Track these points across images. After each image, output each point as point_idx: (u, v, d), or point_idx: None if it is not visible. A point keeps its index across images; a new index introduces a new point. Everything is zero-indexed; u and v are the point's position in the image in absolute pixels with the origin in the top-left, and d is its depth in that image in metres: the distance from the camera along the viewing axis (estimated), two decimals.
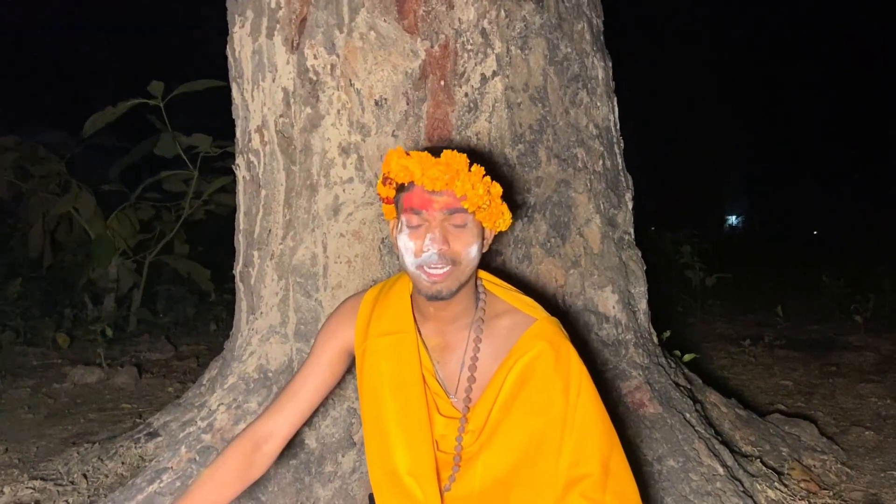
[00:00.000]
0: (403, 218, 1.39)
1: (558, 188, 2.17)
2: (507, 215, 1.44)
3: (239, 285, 2.32)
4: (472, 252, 1.40)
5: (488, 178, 1.40)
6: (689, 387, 2.43)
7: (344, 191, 2.04)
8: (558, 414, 1.38)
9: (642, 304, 2.31)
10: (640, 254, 2.32)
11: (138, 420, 3.12)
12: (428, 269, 1.36)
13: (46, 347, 4.82)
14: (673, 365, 2.44)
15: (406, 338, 1.46)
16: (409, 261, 1.39)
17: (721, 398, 2.72)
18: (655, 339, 2.38)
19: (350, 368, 1.58)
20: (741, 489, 1.95)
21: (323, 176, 2.06)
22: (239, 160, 2.29)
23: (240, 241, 2.32)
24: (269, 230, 2.15)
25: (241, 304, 2.28)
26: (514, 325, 1.45)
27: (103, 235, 5.29)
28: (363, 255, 2.03)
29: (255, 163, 2.21)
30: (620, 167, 2.38)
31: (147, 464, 2.40)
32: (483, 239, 1.44)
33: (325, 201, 2.06)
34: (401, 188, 1.40)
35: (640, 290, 2.29)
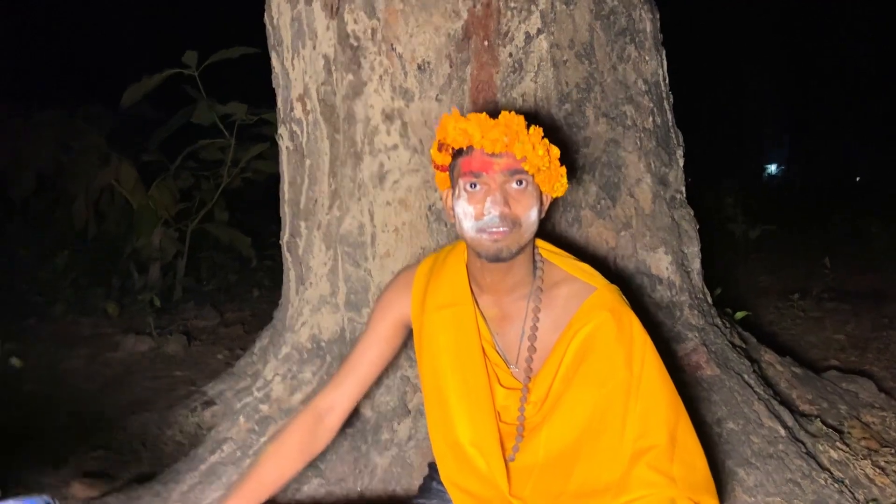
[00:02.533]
0: (461, 182, 1.36)
1: (607, 148, 2.11)
2: (564, 179, 1.40)
3: (286, 255, 2.32)
4: (532, 216, 1.37)
5: (546, 139, 1.36)
6: (744, 346, 2.39)
7: (389, 158, 2.01)
8: (622, 384, 1.35)
9: (696, 264, 2.25)
10: (692, 213, 2.26)
11: (192, 388, 3.17)
12: (488, 232, 1.33)
13: (97, 317, 4.93)
14: (727, 325, 2.39)
15: (464, 310, 1.44)
16: (469, 226, 1.36)
17: (776, 356, 2.67)
18: (710, 300, 2.33)
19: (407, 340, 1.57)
20: (804, 451, 1.92)
21: (367, 144, 2.03)
22: (281, 130, 2.27)
23: (285, 211, 2.31)
24: (316, 200, 2.14)
25: (290, 274, 2.28)
26: (572, 295, 1.42)
27: (145, 205, 5.36)
28: (410, 224, 2.01)
29: (299, 132, 2.18)
30: (670, 123, 2.31)
31: (205, 432, 2.46)
32: (541, 204, 1.40)
33: (370, 169, 2.03)
34: (457, 153, 1.36)
35: (693, 250, 2.23)
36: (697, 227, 2.26)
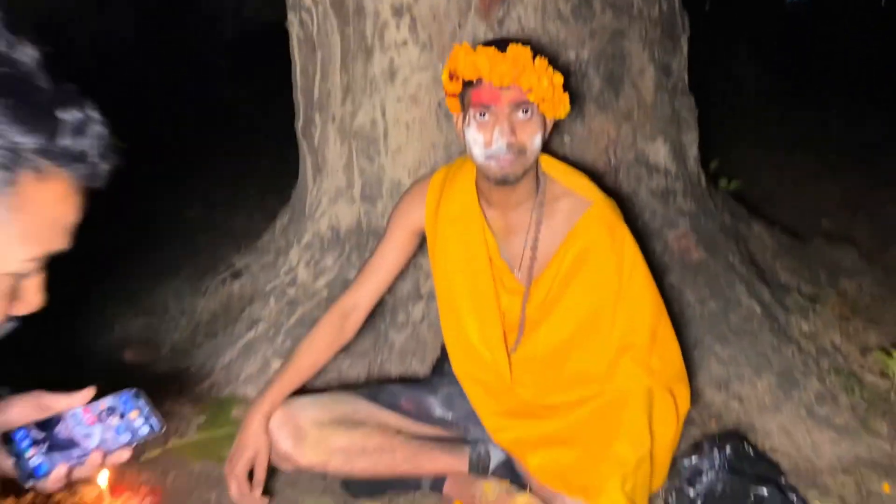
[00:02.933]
0: (472, 111, 1.46)
1: (612, 39, 2.14)
2: (567, 103, 1.49)
3: (301, 140, 2.42)
4: (537, 141, 1.47)
5: (550, 68, 1.43)
6: (734, 223, 2.55)
7: (399, 54, 2.06)
8: (612, 290, 1.53)
9: (693, 151, 2.36)
10: (692, 100, 2.33)
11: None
12: (497, 160, 1.45)
13: None
14: (719, 203, 2.54)
15: (473, 223, 1.59)
16: (479, 152, 1.47)
17: (765, 227, 2.84)
18: (704, 182, 2.46)
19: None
20: (776, 326, 2.14)
21: (378, 39, 2.07)
22: (291, 17, 2.29)
23: (298, 98, 2.39)
24: (329, 93, 2.21)
25: (306, 161, 2.40)
26: (572, 208, 1.56)
27: None
28: (420, 119, 2.10)
29: (309, 22, 2.21)
30: (677, 7, 2.31)
31: (234, 302, 2.70)
32: (545, 128, 1.50)
33: (381, 65, 2.09)
34: (468, 84, 1.45)
35: (690, 137, 2.33)
36: (696, 113, 2.34)
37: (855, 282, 2.84)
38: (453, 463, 1.66)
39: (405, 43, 2.05)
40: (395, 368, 2.08)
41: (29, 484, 0.91)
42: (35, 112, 0.64)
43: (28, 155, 0.64)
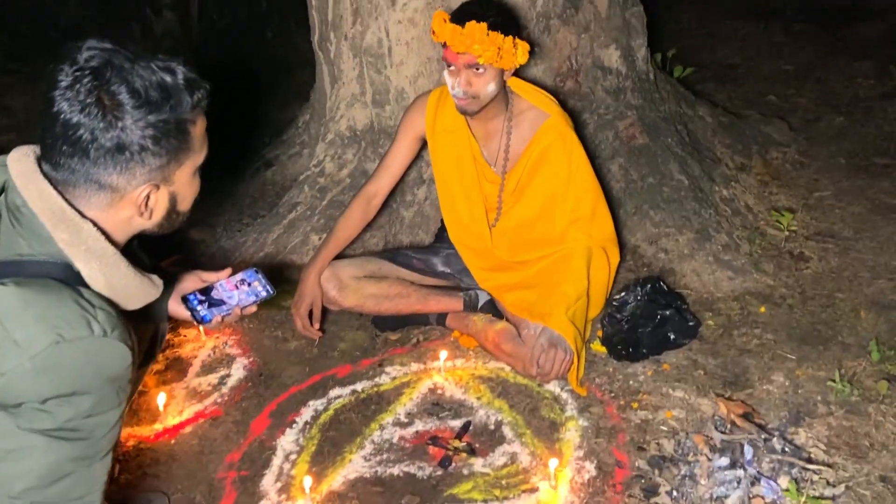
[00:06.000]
0: (444, 60, 1.99)
1: None
2: (521, 55, 1.98)
3: (318, 52, 2.92)
4: (490, 87, 2.00)
5: (500, 37, 1.91)
6: (679, 109, 3.09)
7: None
8: (564, 178, 2.14)
9: (641, 52, 2.87)
10: (641, 9, 2.81)
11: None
12: (457, 99, 2.00)
13: None
14: (666, 93, 3.07)
15: (461, 133, 2.17)
16: (448, 90, 2.03)
17: (709, 108, 3.38)
18: (653, 77, 2.98)
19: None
20: (700, 195, 2.75)
21: None
22: None
23: (313, 15, 2.86)
24: (341, 16, 2.69)
25: (323, 70, 2.91)
26: (534, 118, 2.13)
27: None
28: (418, 38, 2.60)
29: None
30: None
31: (269, 188, 3.29)
32: (502, 75, 2.01)
33: None
34: (443, 43, 1.97)
35: (639, 42, 2.83)
36: (645, 20, 2.83)
37: (780, 152, 3.42)
38: (452, 303, 2.32)
39: None
40: (405, 238, 2.71)
41: (200, 326, 1.54)
42: (176, 97, 1.13)
43: (187, 117, 1.16)
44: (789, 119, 3.79)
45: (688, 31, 5.30)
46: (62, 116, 1.07)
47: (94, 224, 1.14)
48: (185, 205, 1.27)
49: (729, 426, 1.87)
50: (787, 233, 2.70)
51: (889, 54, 4.56)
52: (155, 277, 1.26)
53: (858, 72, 4.48)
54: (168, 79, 1.13)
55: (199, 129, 1.20)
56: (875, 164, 3.32)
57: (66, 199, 1.13)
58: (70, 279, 1.11)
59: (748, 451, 1.73)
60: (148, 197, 1.17)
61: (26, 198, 1.11)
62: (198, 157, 1.23)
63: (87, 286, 1.13)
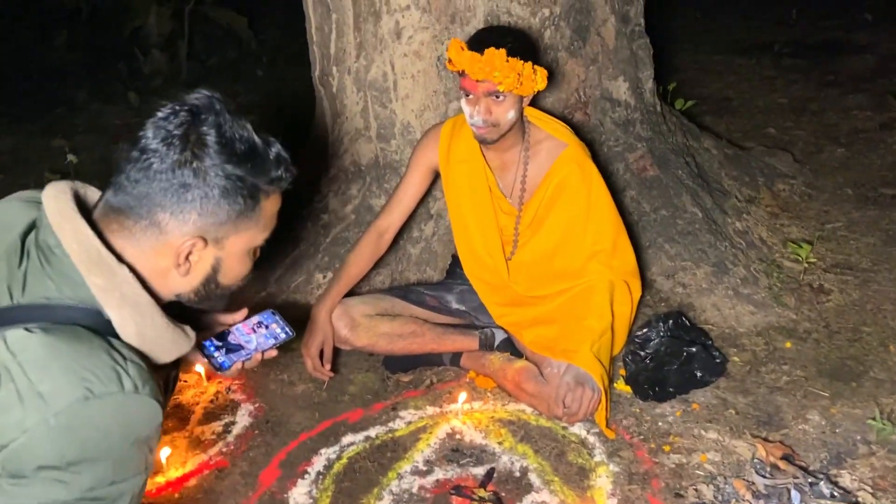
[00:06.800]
0: (461, 90, 1.93)
1: None
2: (541, 81, 1.93)
3: (319, 88, 2.85)
4: (509, 115, 1.93)
5: (519, 63, 1.86)
6: (685, 141, 3.05)
7: (403, 17, 2.48)
8: (583, 209, 2.06)
9: (648, 84, 2.83)
10: (648, 41, 2.78)
11: None
12: (476, 128, 1.93)
13: (120, 105, 5.37)
14: (674, 125, 3.03)
15: (476, 162, 2.09)
16: (466, 119, 1.95)
17: (714, 141, 3.35)
18: (660, 109, 2.94)
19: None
20: (714, 227, 2.69)
21: (384, 4, 2.48)
22: None
23: (314, 51, 2.80)
24: (344, 50, 2.63)
25: (324, 105, 2.84)
26: (551, 149, 2.06)
27: None
28: (424, 71, 2.54)
29: None
30: None
31: None
32: (521, 102, 1.96)
33: (388, 26, 2.50)
34: (460, 71, 1.90)
35: (647, 74, 2.79)
36: (652, 52, 2.79)
37: (787, 183, 3.38)
38: (467, 342, 2.22)
39: (408, 7, 2.46)
40: (412, 275, 2.61)
41: (218, 374, 1.43)
42: (260, 161, 1.09)
43: (263, 187, 1.11)
44: (791, 151, 3.77)
45: (680, 66, 5.35)
46: (143, 141, 1.05)
47: (132, 269, 1.06)
48: (227, 279, 1.18)
49: (769, 469, 1.76)
50: (805, 265, 2.63)
51: (884, 86, 4.60)
52: (188, 328, 1.16)
53: (853, 104, 4.50)
54: (260, 143, 1.10)
55: (270, 206, 1.15)
56: (883, 194, 3.28)
57: (106, 238, 1.05)
58: (100, 327, 1.01)
59: (795, 497, 1.63)
60: (191, 251, 1.09)
61: (60, 238, 1.02)
62: (258, 234, 1.16)
63: (116, 336, 1.03)
